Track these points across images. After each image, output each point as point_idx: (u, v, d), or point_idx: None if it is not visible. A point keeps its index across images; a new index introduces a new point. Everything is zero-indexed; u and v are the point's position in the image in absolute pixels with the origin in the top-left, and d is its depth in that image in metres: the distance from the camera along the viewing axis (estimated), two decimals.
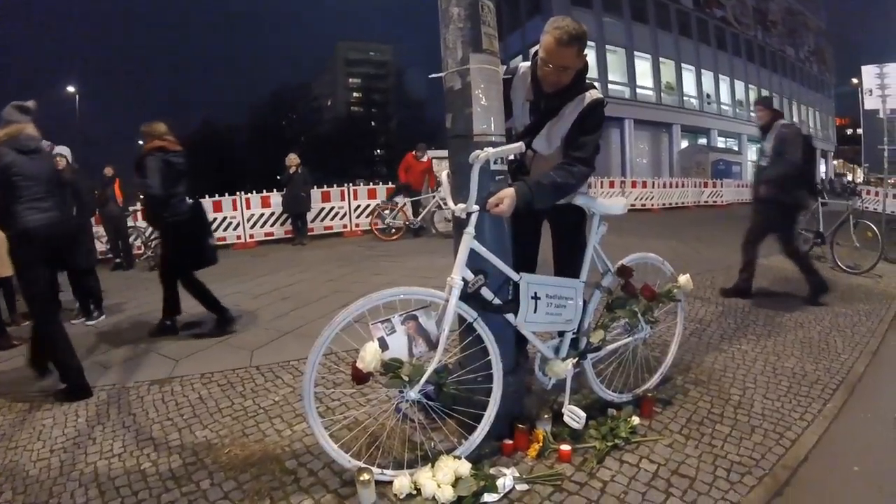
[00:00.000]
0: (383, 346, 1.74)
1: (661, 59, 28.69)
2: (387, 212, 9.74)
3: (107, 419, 2.64)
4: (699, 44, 31.10)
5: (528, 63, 2.30)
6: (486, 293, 1.93)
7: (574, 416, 2.17)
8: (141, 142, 4.25)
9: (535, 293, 2.02)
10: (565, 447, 2.08)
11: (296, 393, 2.80)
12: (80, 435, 2.49)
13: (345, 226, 10.71)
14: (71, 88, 32.18)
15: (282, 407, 2.65)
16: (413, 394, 1.80)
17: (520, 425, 2.12)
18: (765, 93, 35.78)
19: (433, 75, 2.10)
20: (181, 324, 4.26)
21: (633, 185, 16.15)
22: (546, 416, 2.17)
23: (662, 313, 2.79)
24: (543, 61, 2.13)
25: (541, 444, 2.09)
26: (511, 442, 2.10)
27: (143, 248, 8.55)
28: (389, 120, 61.90)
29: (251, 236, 9.92)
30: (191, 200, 4.04)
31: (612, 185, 15.50)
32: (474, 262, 1.92)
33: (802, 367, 3.14)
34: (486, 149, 1.81)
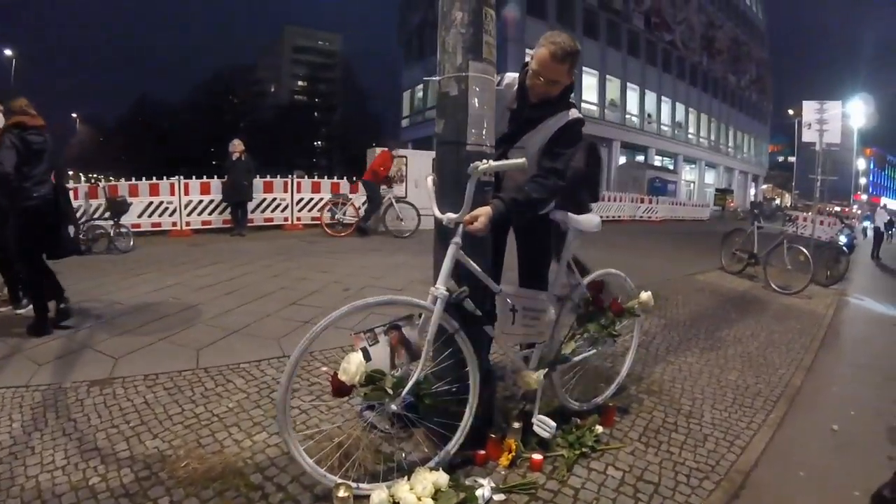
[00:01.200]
0: (366, 356, 1.70)
1: (607, 76, 29.85)
2: (336, 206, 9.65)
3: (45, 425, 2.40)
4: (646, 64, 32.66)
5: (517, 74, 2.30)
6: (469, 305, 1.93)
7: (544, 426, 2.24)
8: None
9: (513, 306, 2.05)
10: (537, 456, 2.15)
11: (250, 399, 2.68)
12: (16, 443, 2.23)
13: (286, 219, 10.41)
14: (7, 52, 29.28)
15: (237, 415, 2.52)
16: (394, 406, 1.77)
17: (492, 435, 2.14)
18: (704, 118, 38.16)
19: (428, 78, 2.07)
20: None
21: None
22: (516, 426, 2.21)
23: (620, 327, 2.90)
24: (535, 73, 2.14)
25: (513, 454, 2.13)
26: (483, 452, 2.12)
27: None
28: (333, 112, 60.76)
29: (187, 224, 9.42)
30: (52, 183, 3.73)
31: None
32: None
33: (745, 379, 3.40)
34: (489, 162, 1.81)
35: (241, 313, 4.17)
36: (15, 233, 3.69)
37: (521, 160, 1.83)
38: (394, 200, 9.78)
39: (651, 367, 3.49)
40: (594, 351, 2.60)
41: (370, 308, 1.78)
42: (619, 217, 18.29)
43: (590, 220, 2.47)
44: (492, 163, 1.81)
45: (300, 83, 68.18)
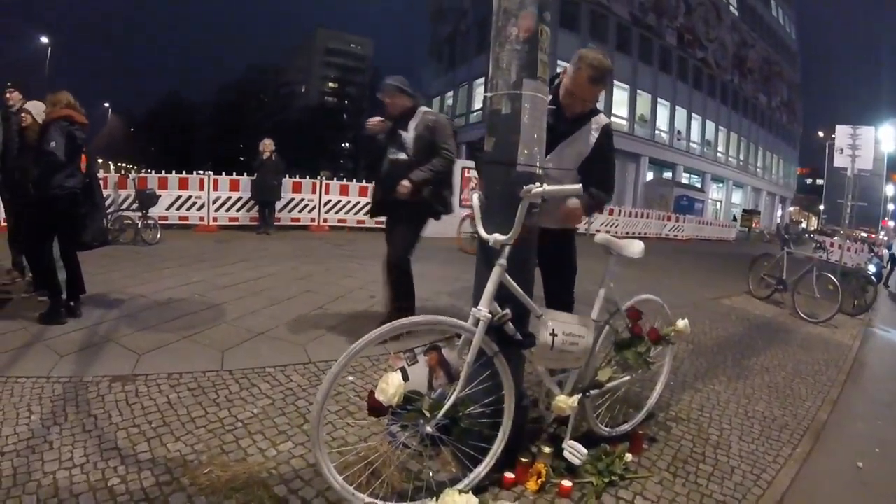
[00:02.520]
0: (404, 377, 1.65)
1: (638, 90, 29.63)
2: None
3: (64, 419, 2.35)
4: (677, 80, 32.36)
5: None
6: (510, 328, 1.88)
7: (575, 452, 2.18)
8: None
9: (553, 330, 1.98)
10: (566, 482, 2.08)
11: (276, 406, 2.65)
12: (34, 436, 2.17)
13: (313, 219, 10.47)
14: (44, 39, 30.18)
15: (262, 422, 2.48)
16: (429, 428, 1.72)
17: (522, 458, 2.08)
18: (734, 137, 37.60)
19: (487, 94, 2.03)
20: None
21: (599, 210, 16.44)
22: (546, 450, 2.15)
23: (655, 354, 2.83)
24: (569, 92, 2.31)
25: (542, 479, 2.06)
26: (512, 475, 2.06)
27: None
28: (361, 115, 61.12)
29: (214, 219, 9.54)
30: (84, 177, 3.79)
31: None
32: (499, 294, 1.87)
33: (771, 411, 3.29)
34: (544, 186, 1.76)
35: (266, 316, 4.16)
36: (35, 220, 3.74)
37: (578, 186, 1.79)
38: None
39: (679, 393, 3.39)
40: (628, 378, 2.52)
41: (413, 328, 1.75)
42: (646, 234, 18.05)
43: (633, 245, 2.41)
44: (547, 187, 1.76)
45: (330, 85, 68.81)
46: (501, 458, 1.99)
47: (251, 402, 2.68)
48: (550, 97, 2.26)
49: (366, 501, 1.68)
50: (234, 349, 3.39)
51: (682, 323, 2.69)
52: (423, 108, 3.64)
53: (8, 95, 4.80)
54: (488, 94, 2.01)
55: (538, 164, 2.00)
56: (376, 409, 1.59)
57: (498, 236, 1.83)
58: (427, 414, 1.68)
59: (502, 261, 1.83)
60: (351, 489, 1.72)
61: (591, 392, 2.29)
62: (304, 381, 2.96)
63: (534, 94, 1.95)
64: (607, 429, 2.55)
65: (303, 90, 65.57)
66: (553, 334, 1.97)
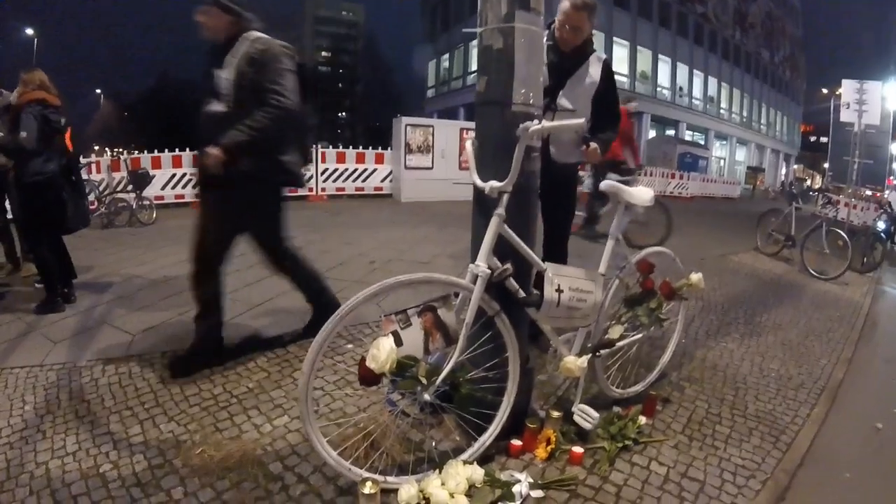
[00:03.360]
0: (397, 341, 1.52)
1: (638, 47, 28.83)
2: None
3: (57, 407, 2.27)
4: (677, 36, 31.44)
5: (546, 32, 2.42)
6: (512, 284, 1.73)
7: (587, 416, 2.07)
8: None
9: (559, 286, 1.83)
10: (577, 449, 1.96)
11: (271, 379, 2.54)
12: (27, 427, 2.12)
13: (310, 189, 10.24)
14: (29, 31, 29.51)
15: (257, 396, 2.38)
16: (427, 396, 1.59)
17: (529, 425, 1.96)
18: (737, 93, 36.77)
19: (467, 29, 1.84)
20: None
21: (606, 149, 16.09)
22: (556, 415, 2.03)
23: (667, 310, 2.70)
24: (561, 23, 2.56)
25: (552, 446, 1.95)
26: (519, 443, 1.94)
27: (96, 203, 7.87)
28: (356, 84, 60.04)
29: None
30: (63, 161, 3.62)
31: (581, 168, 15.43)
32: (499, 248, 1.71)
33: (787, 369, 3.18)
34: (542, 123, 1.58)
35: (262, 287, 4.04)
36: (20, 207, 3.70)
37: (581, 120, 1.61)
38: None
39: (691, 352, 3.27)
40: (640, 336, 2.39)
41: (402, 286, 1.59)
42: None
43: (642, 192, 2.25)
44: (546, 123, 1.59)
45: (323, 54, 67.26)
46: (507, 425, 1.87)
47: (246, 376, 2.58)
48: (548, 40, 2.11)
49: (363, 475, 1.57)
50: (228, 323, 3.25)
51: (695, 277, 2.54)
52: (254, 34, 2.46)
53: None
54: (478, 30, 1.81)
55: (534, 103, 1.82)
56: (368, 377, 1.46)
57: (494, 183, 1.66)
58: (424, 381, 1.55)
59: (500, 210, 1.67)
60: (346, 464, 1.61)
61: (602, 352, 2.16)
62: (302, 352, 2.85)
63: (527, 26, 1.75)
64: (619, 390, 2.43)
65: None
66: (559, 290, 1.82)
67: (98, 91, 45.11)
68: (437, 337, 1.59)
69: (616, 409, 2.31)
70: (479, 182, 1.73)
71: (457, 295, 1.71)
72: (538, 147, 1.87)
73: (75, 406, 2.28)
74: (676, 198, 18.95)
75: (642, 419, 2.26)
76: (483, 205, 1.79)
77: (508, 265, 1.69)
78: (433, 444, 1.92)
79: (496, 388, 1.82)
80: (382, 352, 1.43)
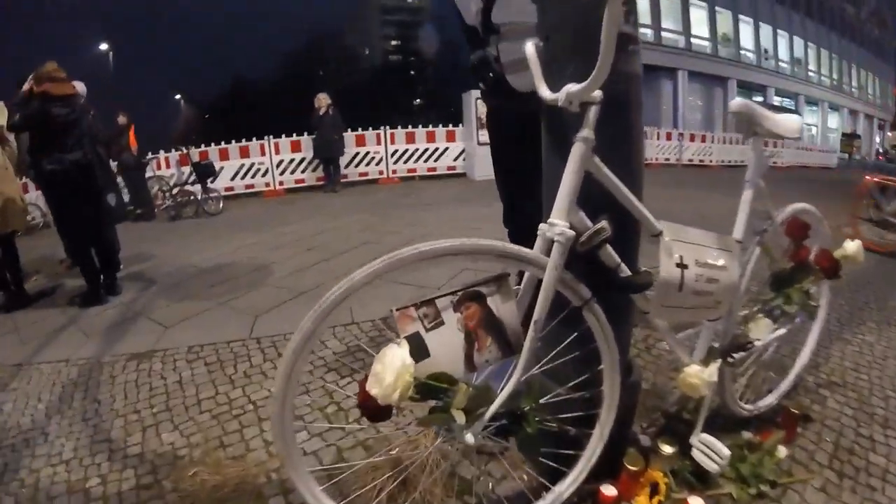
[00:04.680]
0: (417, 350, 0.90)
1: (717, 7, 26.07)
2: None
3: (69, 407, 2.03)
4: None
5: None
6: (609, 255, 1.08)
7: (712, 452, 1.37)
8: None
9: (681, 258, 1.15)
10: (695, 500, 1.28)
11: (299, 381, 2.05)
12: (34, 427, 1.91)
13: (381, 172, 9.85)
14: (104, 46, 31.70)
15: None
16: (471, 436, 0.98)
17: (630, 466, 1.30)
18: (824, 54, 32.57)
19: None
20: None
21: (692, 138, 14.56)
22: (667, 451, 1.37)
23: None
24: None
25: (661, 497, 1.30)
26: (613, 492, 1.29)
27: (163, 197, 7.93)
28: (426, 69, 59.42)
29: (280, 183, 9.17)
30: (78, 154, 3.32)
31: (668, 136, 14.02)
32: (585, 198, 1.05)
33: None
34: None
35: (315, 272, 3.65)
36: (49, 202, 3.60)
37: None
38: None
39: (825, 346, 2.41)
40: (786, 331, 1.65)
41: (426, 261, 0.94)
42: (742, 162, 15.91)
43: (788, 121, 1.51)
44: None
45: (393, 43, 67.26)
46: (596, 466, 1.24)
47: (270, 377, 2.13)
48: None
49: None
50: (268, 313, 2.88)
51: (852, 246, 1.74)
52: None
53: None
54: None
55: None
56: (371, 409, 0.86)
57: (572, 87, 0.97)
58: (461, 416, 0.93)
59: (585, 132, 0.99)
60: None
61: (735, 356, 1.46)
62: (342, 348, 2.36)
63: None
64: (749, 406, 1.71)
65: (366, 53, 64.74)
66: (681, 265, 1.14)
67: (178, 97, 47.66)
68: (487, 342, 0.97)
69: (746, 434, 1.60)
70: (547, 94, 1.06)
71: (521, 276, 1.09)
72: (636, 36, 1.17)
73: (85, 406, 2.02)
74: (771, 167, 17.02)
75: (783, 451, 1.54)
76: (556, 128, 1.14)
77: (604, 223, 1.02)
78: (489, 485, 1.33)
79: (581, 416, 1.19)
80: (389, 369, 0.83)
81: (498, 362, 0.99)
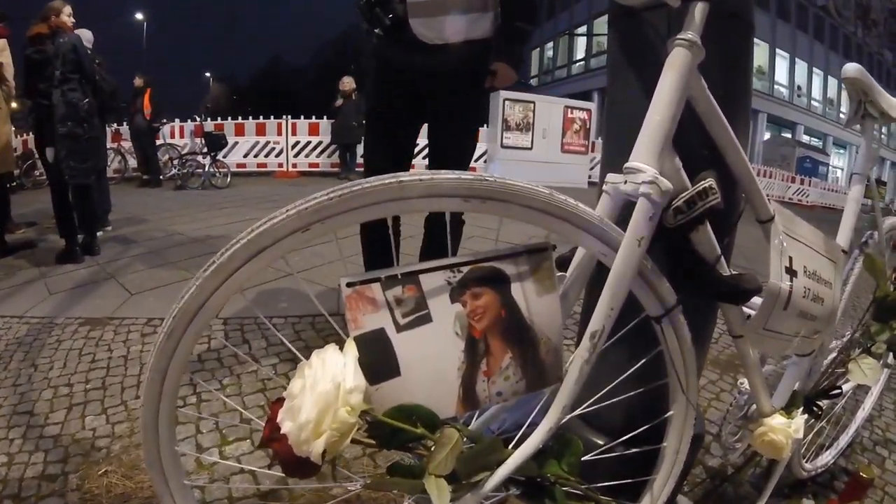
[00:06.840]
0: (378, 361, 0.49)
1: (755, 39, 25.67)
2: None
3: (4, 368, 1.74)
4: (796, 30, 27.59)
5: None
6: (708, 238, 0.66)
7: None
8: None
9: (792, 261, 0.75)
10: None
11: (258, 376, 1.67)
12: None
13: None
14: (139, 16, 31.50)
15: (228, 399, 1.54)
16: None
17: None
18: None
19: None
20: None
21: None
22: None
23: None
24: None
25: None
26: None
27: (171, 165, 7.60)
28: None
29: (294, 165, 8.79)
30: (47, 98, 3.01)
31: None
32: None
33: None
34: None
35: (308, 253, 3.25)
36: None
37: None
38: None
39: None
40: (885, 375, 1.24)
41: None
42: (768, 195, 15.26)
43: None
44: None
45: None
46: None
47: (229, 367, 1.74)
48: None
49: None
50: (247, 291, 2.48)
51: None
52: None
53: None
54: None
55: None
56: (283, 455, 0.45)
57: None
58: (446, 488, 0.49)
59: (689, 34, 0.59)
60: None
61: (823, 402, 1.05)
62: (316, 339, 1.99)
63: None
64: (809, 465, 1.31)
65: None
66: (791, 269, 0.74)
67: (207, 74, 47.05)
68: (504, 359, 0.55)
69: (808, 502, 1.21)
70: None
71: (564, 262, 0.67)
72: None
73: (20, 370, 1.73)
74: (796, 204, 16.49)
75: None
76: (631, 39, 0.74)
77: (711, 181, 0.61)
78: None
79: (622, 485, 0.77)
80: (311, 394, 0.42)
81: (516, 396, 0.57)
